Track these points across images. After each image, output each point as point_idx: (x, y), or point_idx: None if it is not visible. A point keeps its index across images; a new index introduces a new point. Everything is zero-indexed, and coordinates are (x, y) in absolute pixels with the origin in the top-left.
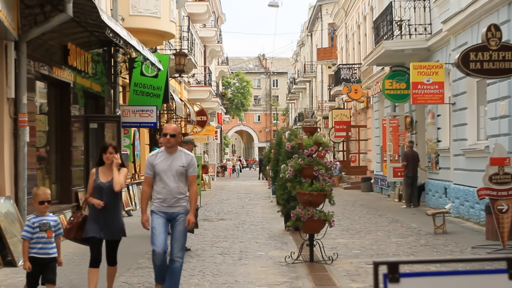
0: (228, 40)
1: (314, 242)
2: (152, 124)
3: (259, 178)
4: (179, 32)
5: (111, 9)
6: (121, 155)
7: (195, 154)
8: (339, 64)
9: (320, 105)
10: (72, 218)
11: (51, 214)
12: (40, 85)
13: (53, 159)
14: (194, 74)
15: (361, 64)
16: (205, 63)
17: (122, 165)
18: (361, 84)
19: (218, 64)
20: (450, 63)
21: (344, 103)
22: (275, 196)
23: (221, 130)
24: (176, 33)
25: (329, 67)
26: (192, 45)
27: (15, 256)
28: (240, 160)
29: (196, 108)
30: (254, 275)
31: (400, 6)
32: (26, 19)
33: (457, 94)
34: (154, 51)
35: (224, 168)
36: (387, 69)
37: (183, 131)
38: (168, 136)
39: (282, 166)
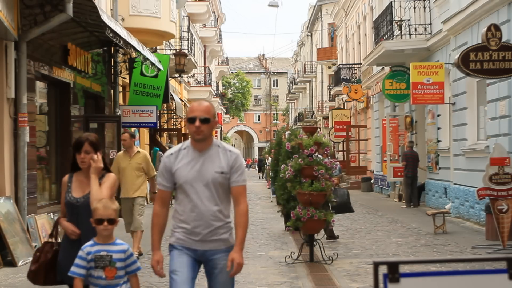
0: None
1: (314, 242)
2: (152, 124)
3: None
4: (179, 32)
5: (111, 9)
6: (105, 156)
7: None
8: (339, 64)
9: (320, 105)
10: (38, 254)
11: (118, 241)
12: (40, 85)
13: (53, 159)
14: (194, 74)
15: (361, 64)
16: (205, 63)
17: (106, 169)
18: (361, 84)
19: (218, 64)
20: (450, 63)
21: (344, 103)
22: (275, 196)
23: (221, 130)
24: (176, 33)
25: (329, 67)
26: (192, 45)
27: (15, 256)
28: None
29: None
30: (254, 275)
31: (400, 6)
32: (26, 19)
33: (457, 94)
34: (154, 51)
35: None
36: (387, 69)
37: (183, 131)
38: (197, 123)
39: (282, 166)
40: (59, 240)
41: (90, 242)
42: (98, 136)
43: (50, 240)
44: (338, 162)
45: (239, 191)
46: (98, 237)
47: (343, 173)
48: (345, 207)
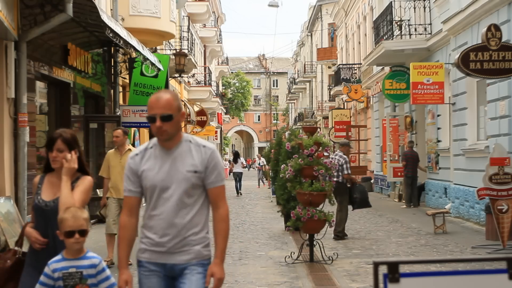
0: (228, 40)
1: (314, 242)
2: None
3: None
4: (179, 32)
5: (111, 9)
6: (82, 155)
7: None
8: (339, 64)
9: (320, 105)
10: None
11: (89, 254)
12: (40, 85)
13: None
14: (194, 74)
15: (361, 64)
16: (205, 63)
17: (82, 171)
18: (361, 84)
19: (218, 64)
20: (450, 63)
21: (344, 103)
22: (275, 196)
23: (221, 130)
24: (176, 33)
25: (329, 67)
26: (192, 45)
27: None
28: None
29: (196, 108)
30: (254, 275)
31: (400, 6)
32: (26, 19)
33: (457, 94)
34: (154, 51)
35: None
36: (387, 69)
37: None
38: (157, 122)
39: (282, 166)
40: (25, 249)
41: (58, 257)
42: (98, 136)
43: (15, 248)
44: (346, 157)
45: (217, 193)
46: (67, 251)
47: None
48: (365, 202)
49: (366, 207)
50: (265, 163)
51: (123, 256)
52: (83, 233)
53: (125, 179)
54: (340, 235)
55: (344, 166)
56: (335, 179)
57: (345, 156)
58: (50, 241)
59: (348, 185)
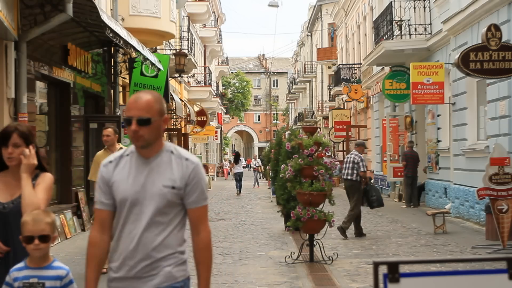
0: (228, 40)
1: (314, 242)
2: None
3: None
4: (179, 32)
5: (111, 9)
6: (39, 150)
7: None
8: (339, 64)
9: (320, 105)
10: None
11: (56, 264)
12: (40, 85)
13: (53, 159)
14: (194, 74)
15: (361, 64)
16: (205, 63)
17: (40, 167)
18: (361, 84)
19: (218, 64)
20: (450, 63)
21: (344, 103)
22: (275, 196)
23: (221, 130)
24: (176, 33)
25: (329, 67)
26: (192, 45)
27: None
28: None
29: (196, 108)
30: (254, 275)
31: (400, 6)
32: (26, 19)
33: (457, 94)
34: (154, 51)
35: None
36: (387, 69)
37: (183, 131)
38: (133, 125)
39: (282, 166)
40: None
41: (20, 265)
42: (98, 136)
43: None
44: (338, 162)
45: (198, 215)
46: (30, 259)
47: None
48: (381, 201)
49: (381, 207)
50: (260, 164)
51: (91, 279)
52: (45, 239)
53: (96, 189)
54: (344, 227)
55: (360, 164)
56: (349, 177)
57: (360, 155)
58: (11, 248)
59: (363, 186)
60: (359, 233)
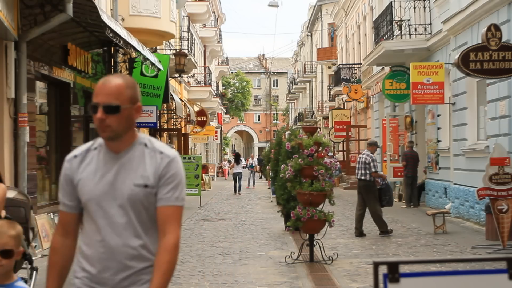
0: (228, 40)
1: (314, 242)
2: (152, 124)
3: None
4: (179, 32)
5: (111, 9)
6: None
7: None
8: (339, 64)
9: (320, 105)
10: None
11: (19, 284)
12: (40, 85)
13: (53, 159)
14: (194, 74)
15: (361, 64)
16: (205, 63)
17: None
18: (361, 84)
19: (218, 64)
20: (450, 63)
21: (344, 103)
22: (275, 196)
23: (221, 130)
24: (176, 33)
25: (329, 67)
26: (192, 45)
27: None
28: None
29: (196, 108)
30: (254, 275)
31: (400, 6)
32: (26, 19)
33: (457, 94)
34: (154, 51)
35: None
36: (387, 69)
37: (183, 131)
38: (99, 113)
39: (282, 166)
40: None
41: None
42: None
43: None
44: (338, 162)
45: (167, 214)
46: None
47: (343, 173)
48: (390, 201)
49: (390, 206)
50: (256, 163)
51: (53, 285)
52: (8, 254)
53: (59, 188)
54: (383, 230)
55: (371, 164)
56: (363, 177)
57: (372, 155)
58: None
59: (378, 186)
60: (360, 233)
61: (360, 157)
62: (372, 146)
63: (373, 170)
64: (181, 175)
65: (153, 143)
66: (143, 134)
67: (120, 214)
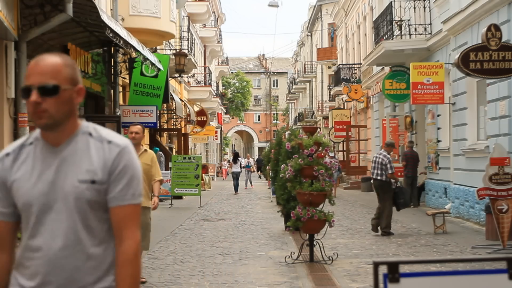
0: (228, 40)
1: (314, 242)
2: (152, 124)
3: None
4: (179, 32)
5: (111, 9)
6: None
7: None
8: (339, 64)
9: (320, 105)
10: None
11: None
12: None
13: None
14: (194, 74)
15: (361, 64)
16: (205, 63)
17: None
18: (361, 84)
19: (218, 64)
20: (450, 63)
21: (344, 103)
22: (275, 196)
23: (221, 130)
24: (176, 33)
25: (329, 67)
26: (192, 45)
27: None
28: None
29: (196, 108)
30: (254, 275)
31: (400, 6)
32: (26, 19)
33: (457, 94)
34: (154, 51)
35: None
36: (387, 69)
37: (183, 131)
38: (33, 96)
39: (282, 166)
40: None
41: None
42: None
43: None
44: (338, 162)
45: (123, 215)
46: None
47: (343, 173)
48: (406, 204)
49: (407, 208)
50: (252, 164)
51: None
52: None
53: None
54: (386, 231)
55: (388, 165)
56: (379, 177)
57: (388, 156)
58: None
59: (393, 188)
60: (376, 230)
61: (376, 157)
62: (389, 146)
63: (389, 171)
64: (135, 167)
65: (99, 131)
66: (87, 122)
67: (63, 218)
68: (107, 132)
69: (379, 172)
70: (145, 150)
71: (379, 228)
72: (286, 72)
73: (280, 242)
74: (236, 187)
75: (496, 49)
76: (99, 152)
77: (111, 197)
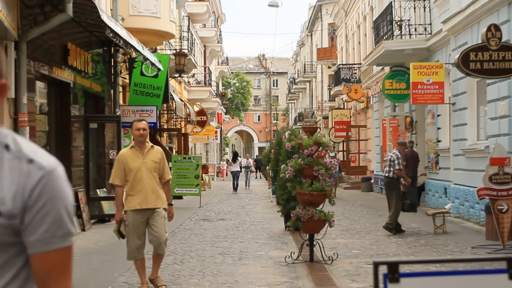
0: (228, 40)
1: (314, 242)
2: (152, 124)
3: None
4: (179, 32)
5: (111, 9)
6: None
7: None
8: (339, 64)
9: (320, 105)
10: None
11: None
12: (40, 85)
13: None
14: (194, 74)
15: (361, 64)
16: (205, 63)
17: None
18: (361, 84)
19: (218, 64)
20: (450, 63)
21: (344, 103)
22: (275, 196)
23: (221, 130)
24: (176, 33)
25: (329, 67)
26: (192, 45)
27: None
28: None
29: (196, 108)
30: (254, 275)
31: (400, 6)
32: (26, 19)
33: (457, 94)
34: (154, 51)
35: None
36: (387, 69)
37: (183, 131)
38: None
39: (282, 166)
40: None
41: None
42: (98, 136)
43: None
44: (337, 162)
45: (50, 264)
46: None
47: (343, 173)
48: (413, 207)
49: (413, 212)
50: (251, 164)
51: None
52: None
53: None
54: (390, 226)
55: (396, 162)
56: (387, 174)
57: (398, 153)
58: None
59: (402, 188)
60: (398, 229)
61: (389, 155)
62: (401, 145)
63: (396, 167)
64: (65, 197)
65: (20, 145)
66: (7, 130)
67: None
68: (31, 148)
69: (387, 169)
70: (152, 146)
71: (389, 226)
72: (286, 72)
73: (280, 242)
74: (235, 186)
75: (496, 49)
76: (14, 173)
77: (33, 241)
